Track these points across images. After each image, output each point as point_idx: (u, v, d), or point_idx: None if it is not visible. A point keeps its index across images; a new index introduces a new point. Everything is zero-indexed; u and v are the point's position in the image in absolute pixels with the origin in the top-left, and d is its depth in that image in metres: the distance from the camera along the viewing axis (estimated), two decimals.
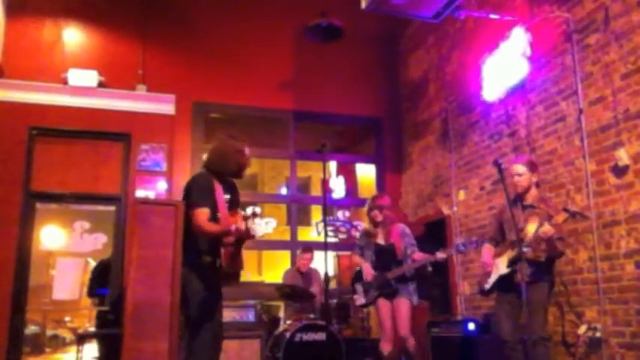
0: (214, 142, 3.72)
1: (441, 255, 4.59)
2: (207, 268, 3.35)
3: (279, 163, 12.08)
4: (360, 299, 4.88)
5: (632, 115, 3.96)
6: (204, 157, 3.70)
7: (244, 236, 3.29)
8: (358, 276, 4.92)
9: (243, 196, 3.76)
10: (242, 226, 3.24)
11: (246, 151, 3.58)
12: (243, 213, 3.40)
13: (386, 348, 4.69)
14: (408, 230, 4.94)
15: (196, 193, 3.39)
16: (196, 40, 7.08)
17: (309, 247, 6.32)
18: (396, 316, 4.67)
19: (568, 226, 4.24)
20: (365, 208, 5.02)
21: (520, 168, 3.95)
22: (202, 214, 3.30)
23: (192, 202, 3.35)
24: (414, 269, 4.75)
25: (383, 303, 4.73)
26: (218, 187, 3.44)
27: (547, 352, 3.78)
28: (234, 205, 3.57)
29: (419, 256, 4.75)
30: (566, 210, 3.56)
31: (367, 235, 5.00)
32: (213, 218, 3.34)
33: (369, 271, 4.78)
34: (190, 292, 3.30)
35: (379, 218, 4.85)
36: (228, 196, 3.50)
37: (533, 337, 3.62)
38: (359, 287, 4.88)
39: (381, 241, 4.87)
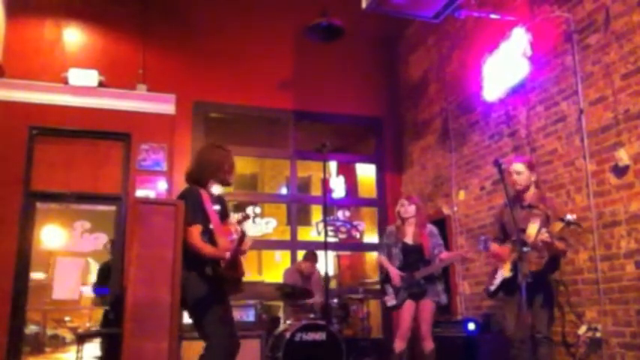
0: (199, 151, 3.75)
1: (468, 254, 4.71)
2: (208, 276, 3.34)
3: (279, 163, 12.05)
4: (390, 300, 4.78)
5: (633, 115, 3.96)
6: (188, 168, 3.68)
7: (240, 253, 3.30)
8: (388, 276, 4.83)
9: (243, 196, 3.77)
10: (236, 231, 3.25)
11: (232, 157, 3.63)
12: (235, 218, 3.41)
13: (399, 346, 4.65)
14: (435, 231, 4.90)
15: (186, 210, 3.36)
16: (196, 40, 7.08)
17: (311, 256, 6.33)
18: (420, 317, 4.66)
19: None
20: (365, 208, 5.02)
21: (519, 166, 3.99)
22: (195, 231, 3.31)
23: (183, 220, 3.35)
24: (441, 268, 4.75)
25: (409, 303, 4.69)
26: (207, 199, 3.44)
27: (550, 352, 3.80)
28: (224, 216, 3.60)
29: (446, 255, 4.75)
30: (561, 219, 3.59)
31: (396, 233, 4.91)
32: (206, 230, 3.36)
33: (396, 275, 4.70)
34: (191, 300, 3.29)
35: (409, 214, 4.83)
36: (217, 207, 3.51)
37: (538, 337, 3.65)
38: (389, 288, 4.79)
39: (408, 240, 4.81)
